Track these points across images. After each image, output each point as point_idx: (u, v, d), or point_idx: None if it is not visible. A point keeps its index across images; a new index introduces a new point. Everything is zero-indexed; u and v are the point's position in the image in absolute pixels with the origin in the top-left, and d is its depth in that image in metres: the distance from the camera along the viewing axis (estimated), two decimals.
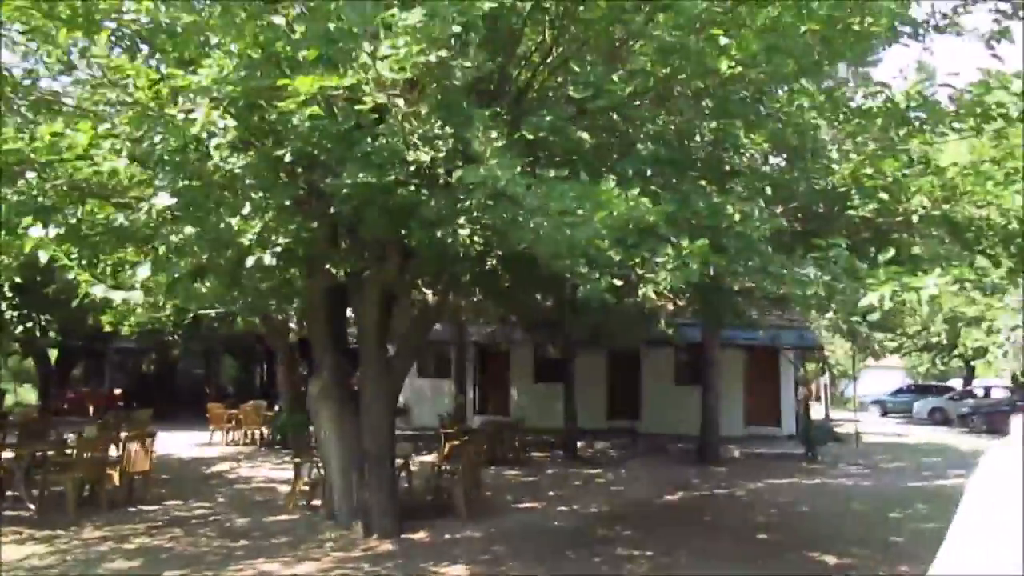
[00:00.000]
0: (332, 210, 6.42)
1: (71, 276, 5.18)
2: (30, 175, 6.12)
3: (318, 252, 8.03)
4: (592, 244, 4.68)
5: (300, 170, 6.57)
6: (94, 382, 30.45)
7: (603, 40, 6.85)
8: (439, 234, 5.70)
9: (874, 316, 5.92)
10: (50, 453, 11.21)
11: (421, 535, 8.90)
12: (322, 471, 9.77)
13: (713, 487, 13.23)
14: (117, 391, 27.27)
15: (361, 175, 5.22)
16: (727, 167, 7.27)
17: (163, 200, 5.33)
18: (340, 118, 5.39)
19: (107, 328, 15.44)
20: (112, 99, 6.28)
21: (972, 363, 34.82)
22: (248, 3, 4.88)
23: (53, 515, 9.43)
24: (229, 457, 16.16)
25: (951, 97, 6.79)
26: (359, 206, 6.02)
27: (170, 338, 23.53)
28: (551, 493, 12.27)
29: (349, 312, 10.37)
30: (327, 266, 8.33)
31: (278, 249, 6.85)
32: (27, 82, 7.47)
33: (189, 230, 5.78)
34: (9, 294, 18.37)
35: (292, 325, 16.53)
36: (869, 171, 6.88)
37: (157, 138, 4.94)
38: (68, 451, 11.12)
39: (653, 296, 5.40)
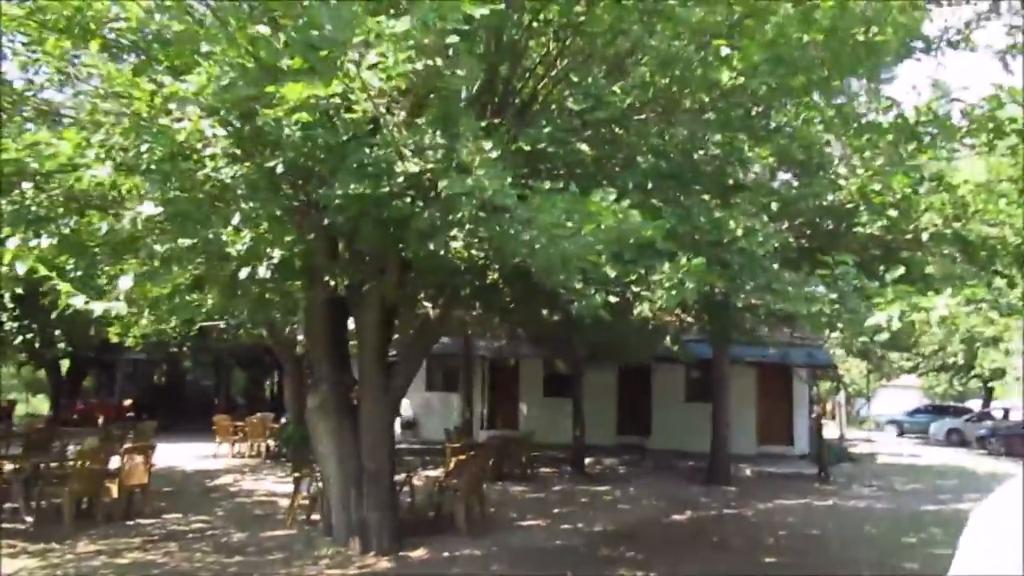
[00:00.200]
0: (326, 222, 6.32)
1: (53, 286, 5.09)
2: (26, 185, 6.07)
3: (317, 264, 7.94)
4: (585, 259, 4.55)
5: (298, 181, 6.49)
6: (104, 393, 30.46)
7: (607, 51, 6.76)
8: (432, 246, 5.59)
9: (882, 336, 5.74)
10: (52, 465, 11.16)
11: (420, 552, 8.75)
12: (321, 485, 9.63)
13: (722, 507, 12.98)
14: (127, 402, 27.25)
15: (353, 186, 5.13)
16: (731, 181, 7.13)
17: (148, 209, 5.25)
18: (341, 129, 5.33)
19: (114, 339, 15.49)
20: (110, 110, 6.22)
21: (990, 384, 34.29)
22: (239, 11, 4.82)
23: (49, 528, 9.33)
24: (233, 470, 16.07)
25: (963, 112, 6.62)
26: (353, 217, 5.93)
27: (179, 349, 23.55)
28: (556, 510, 12.08)
29: (351, 324, 10.26)
30: (326, 278, 8.24)
31: (274, 261, 6.78)
32: (28, 93, 7.50)
33: (179, 241, 5.70)
34: (10, 305, 18.46)
35: (299, 337, 16.46)
36: (877, 187, 6.72)
37: (144, 147, 4.87)
38: (68, 463, 11.04)
39: (650, 314, 5.26)
